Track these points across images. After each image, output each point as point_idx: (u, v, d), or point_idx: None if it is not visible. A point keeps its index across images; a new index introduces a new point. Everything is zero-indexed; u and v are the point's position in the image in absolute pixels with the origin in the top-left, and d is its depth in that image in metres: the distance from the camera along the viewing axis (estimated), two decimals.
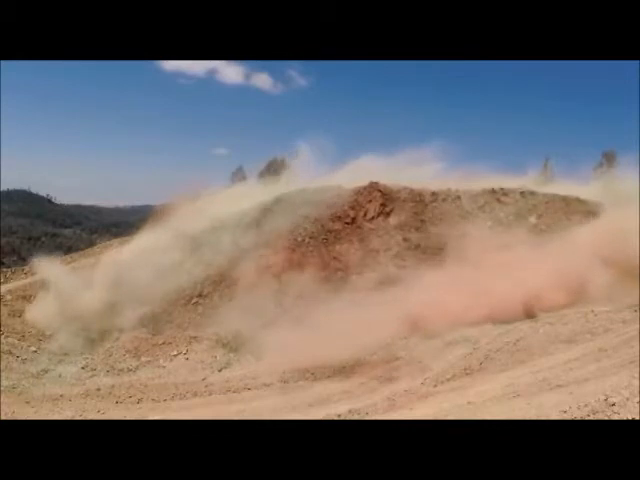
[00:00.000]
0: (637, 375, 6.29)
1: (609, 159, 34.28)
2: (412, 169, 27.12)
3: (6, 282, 21.72)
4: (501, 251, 16.81)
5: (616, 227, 16.49)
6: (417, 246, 19.74)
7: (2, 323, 16.51)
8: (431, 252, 19.50)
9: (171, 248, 20.39)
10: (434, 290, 15.20)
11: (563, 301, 14.62)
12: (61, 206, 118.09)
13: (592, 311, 13.95)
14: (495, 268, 15.44)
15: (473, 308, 14.21)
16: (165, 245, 20.62)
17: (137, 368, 15.45)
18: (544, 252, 16.38)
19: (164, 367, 15.46)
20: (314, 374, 13.11)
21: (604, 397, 5.67)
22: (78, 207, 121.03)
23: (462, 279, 15.43)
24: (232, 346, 16.35)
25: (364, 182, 22.16)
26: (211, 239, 20.86)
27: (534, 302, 14.55)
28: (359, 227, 20.71)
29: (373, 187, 21.94)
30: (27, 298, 18.82)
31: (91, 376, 15.03)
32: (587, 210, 20.50)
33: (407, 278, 17.10)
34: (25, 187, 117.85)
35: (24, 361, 15.23)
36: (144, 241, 21.48)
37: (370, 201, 21.37)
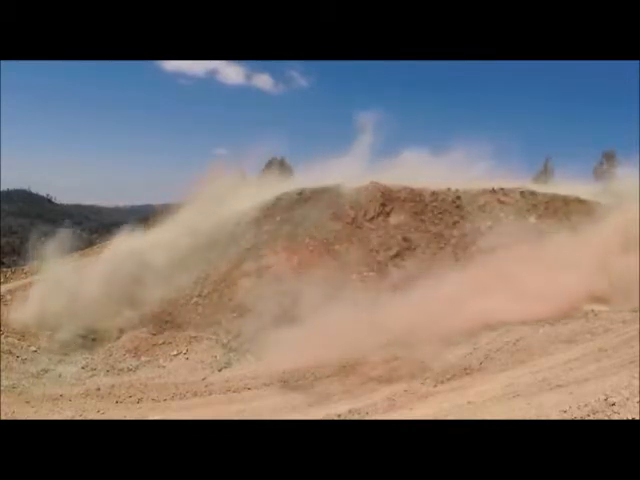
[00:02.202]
0: (637, 375, 6.29)
1: (609, 159, 34.28)
2: (461, 167, 26.85)
3: (6, 282, 21.72)
4: (524, 249, 16.59)
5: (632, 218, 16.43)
6: (417, 246, 19.75)
7: (2, 323, 16.51)
8: (431, 252, 19.51)
9: (171, 248, 20.38)
10: (464, 290, 14.83)
11: (602, 299, 14.34)
12: (61, 206, 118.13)
13: (592, 311, 13.97)
14: (525, 266, 15.22)
15: (510, 310, 13.77)
16: (165, 245, 20.61)
17: (137, 368, 15.45)
18: (573, 248, 16.26)
19: (164, 367, 15.45)
20: (314, 374, 13.11)
21: (604, 397, 5.67)
22: (78, 207, 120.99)
23: (486, 279, 15.17)
24: (232, 346, 16.35)
25: (414, 181, 22.17)
26: (211, 239, 20.86)
27: (577, 300, 14.25)
28: (359, 227, 20.71)
29: (373, 187, 21.95)
30: (27, 298, 18.81)
31: (91, 376, 15.03)
32: (587, 210, 20.52)
33: (425, 278, 16.80)
34: (25, 187, 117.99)
35: (24, 361, 15.23)
36: (144, 240, 21.47)
37: (370, 201, 21.37)
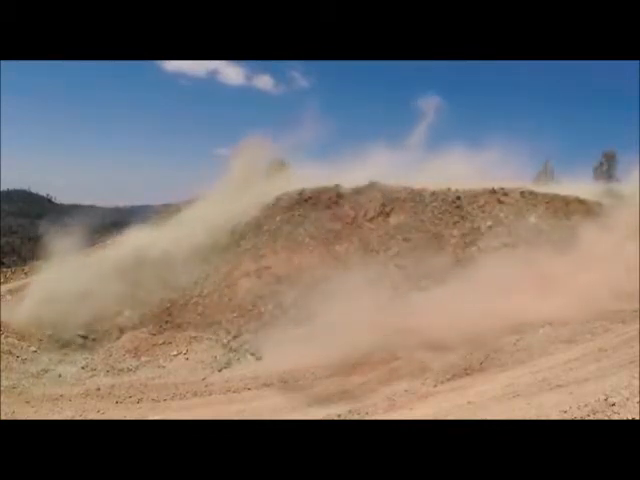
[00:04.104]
0: (637, 375, 6.28)
1: (609, 159, 34.25)
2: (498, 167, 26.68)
3: (6, 282, 21.73)
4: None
5: None
6: (417, 246, 19.74)
7: (2, 323, 16.50)
8: (432, 253, 19.50)
9: (170, 248, 20.38)
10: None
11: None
12: (61, 206, 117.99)
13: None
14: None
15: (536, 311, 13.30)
16: (164, 245, 20.62)
17: (137, 368, 15.45)
18: (596, 246, 16.09)
19: (164, 367, 15.45)
20: (314, 374, 13.11)
21: (604, 397, 5.66)
22: (78, 207, 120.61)
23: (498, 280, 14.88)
24: (232, 346, 16.36)
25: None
26: (210, 239, 20.86)
27: (604, 300, 13.78)
28: (359, 227, 20.71)
29: (373, 187, 21.96)
30: (27, 298, 18.78)
31: (91, 376, 15.02)
32: (587, 210, 20.52)
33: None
34: (25, 187, 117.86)
35: (24, 361, 15.22)
36: (141, 241, 21.47)
37: (370, 201, 21.37)
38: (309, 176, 24.16)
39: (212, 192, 24.75)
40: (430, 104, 31.63)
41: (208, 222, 21.61)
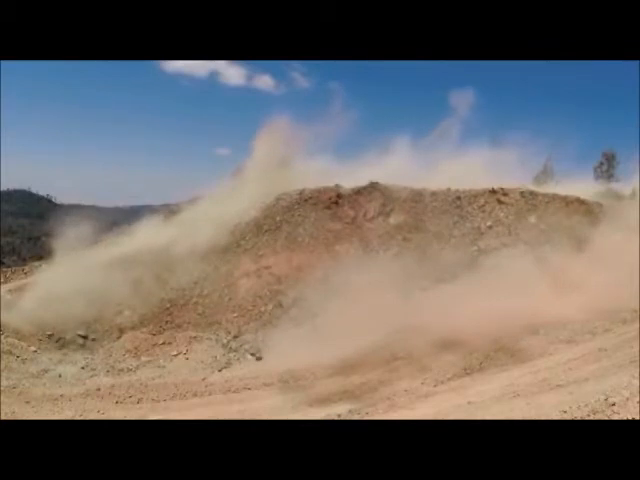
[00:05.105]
0: (637, 375, 6.29)
1: (609, 159, 34.25)
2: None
3: (6, 282, 21.70)
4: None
5: None
6: (417, 246, 19.75)
7: (2, 323, 16.49)
8: (432, 253, 19.51)
9: (170, 248, 20.37)
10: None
11: None
12: (61, 206, 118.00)
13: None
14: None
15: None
16: (164, 245, 20.61)
17: (137, 368, 15.43)
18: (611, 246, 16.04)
19: (164, 367, 15.44)
20: (314, 374, 13.11)
21: (604, 397, 5.67)
22: (78, 207, 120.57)
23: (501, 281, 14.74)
24: (232, 346, 16.36)
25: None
26: (210, 239, 20.85)
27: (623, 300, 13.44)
28: (359, 227, 20.71)
29: (373, 187, 21.96)
30: (27, 298, 18.77)
31: (91, 376, 15.01)
32: (587, 210, 20.53)
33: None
34: (25, 187, 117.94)
35: (24, 361, 15.21)
36: (141, 240, 21.47)
37: (370, 201, 21.37)
38: (317, 174, 24.03)
39: (214, 191, 24.70)
40: (463, 99, 30.99)
41: (208, 222, 21.59)
